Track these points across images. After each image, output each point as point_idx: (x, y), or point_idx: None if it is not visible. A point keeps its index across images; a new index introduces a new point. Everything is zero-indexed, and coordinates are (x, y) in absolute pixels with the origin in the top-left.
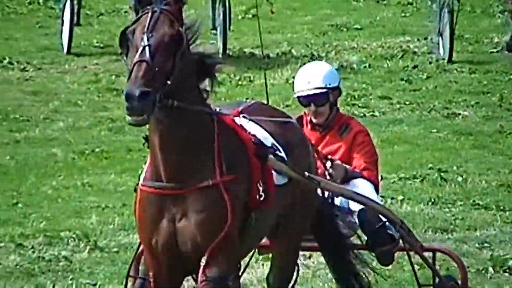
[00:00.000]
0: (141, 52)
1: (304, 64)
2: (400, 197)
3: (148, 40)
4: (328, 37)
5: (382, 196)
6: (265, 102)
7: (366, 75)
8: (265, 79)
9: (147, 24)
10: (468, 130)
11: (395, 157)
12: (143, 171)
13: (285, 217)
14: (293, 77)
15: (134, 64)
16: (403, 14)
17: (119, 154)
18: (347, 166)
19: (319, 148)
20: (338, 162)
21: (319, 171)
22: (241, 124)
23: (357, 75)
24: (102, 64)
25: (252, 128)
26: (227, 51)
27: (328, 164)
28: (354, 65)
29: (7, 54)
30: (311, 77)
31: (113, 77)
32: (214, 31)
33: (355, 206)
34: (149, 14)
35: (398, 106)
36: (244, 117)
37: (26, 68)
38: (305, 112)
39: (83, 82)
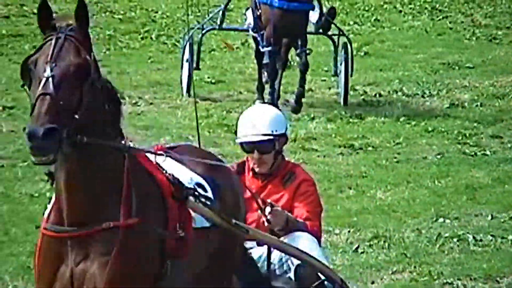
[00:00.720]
0: (44, 84)
1: (417, 102)
2: (511, 237)
3: (51, 70)
4: (439, 75)
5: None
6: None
7: (477, 113)
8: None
9: (50, 53)
10: None
11: (506, 196)
12: (47, 212)
13: (206, 269)
14: (404, 115)
15: (37, 98)
16: None
17: None
18: (289, 214)
19: (261, 197)
20: (279, 208)
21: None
22: (157, 163)
23: (469, 114)
24: (213, 99)
25: (173, 168)
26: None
27: (268, 209)
28: (466, 104)
29: (119, 88)
30: (257, 121)
31: (225, 112)
32: (335, 78)
33: (291, 262)
34: (53, 42)
35: (509, 145)
36: (169, 156)
37: (137, 103)
38: (247, 158)
39: (194, 117)
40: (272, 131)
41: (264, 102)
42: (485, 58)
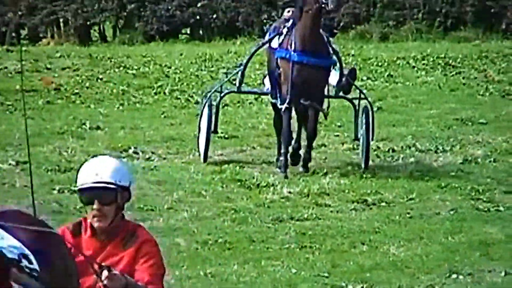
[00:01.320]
0: None
1: (430, 158)
2: None
3: None
4: (453, 131)
5: None
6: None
7: (490, 169)
8: None
9: None
10: None
11: None
12: None
13: None
14: (417, 171)
15: None
16: None
17: (241, 244)
18: (129, 278)
19: (99, 259)
20: (116, 272)
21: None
22: None
23: (482, 170)
24: (227, 154)
25: None
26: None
27: (104, 273)
28: (479, 159)
29: (133, 143)
30: (100, 170)
31: (238, 167)
32: (356, 142)
33: None
34: None
35: None
36: None
37: (151, 158)
38: (84, 217)
39: (207, 172)
40: (116, 181)
41: (286, 176)
42: (499, 114)
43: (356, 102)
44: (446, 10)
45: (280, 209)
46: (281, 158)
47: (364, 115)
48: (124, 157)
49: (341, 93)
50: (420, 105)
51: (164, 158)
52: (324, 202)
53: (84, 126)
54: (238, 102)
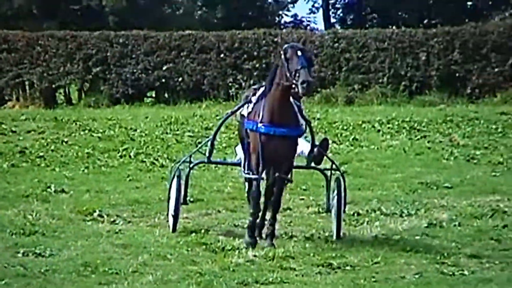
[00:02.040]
0: None
1: (395, 221)
2: None
3: None
4: (418, 195)
5: None
6: None
7: (455, 233)
8: None
9: None
10: None
11: None
12: None
13: None
14: (382, 234)
15: None
16: (493, 173)
17: None
18: None
19: None
20: None
21: None
22: None
23: (447, 233)
24: (192, 218)
25: None
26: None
27: None
28: (444, 223)
29: (98, 206)
30: None
31: (203, 231)
32: (329, 213)
33: None
34: None
35: (487, 265)
36: None
37: (116, 221)
38: None
39: (173, 235)
40: None
41: (253, 245)
42: (463, 178)
43: (328, 173)
44: (411, 74)
45: (245, 272)
46: (248, 230)
47: (336, 187)
48: (89, 221)
49: (312, 164)
50: (385, 169)
51: (129, 222)
52: (289, 266)
53: (49, 189)
54: (204, 165)
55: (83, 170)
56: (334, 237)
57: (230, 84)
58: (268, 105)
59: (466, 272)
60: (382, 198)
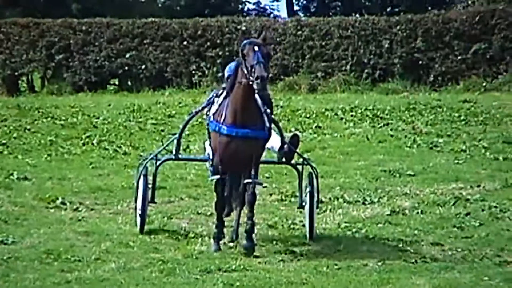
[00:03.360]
0: None
1: (358, 209)
2: None
3: None
4: (380, 182)
5: None
6: None
7: (418, 221)
8: None
9: None
10: None
11: None
12: None
13: None
14: (345, 222)
15: None
16: (456, 161)
17: None
18: None
19: None
20: None
21: None
22: None
23: (409, 221)
24: (155, 205)
25: None
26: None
27: None
28: (407, 211)
29: (60, 194)
30: None
31: (165, 218)
32: (301, 209)
33: None
34: None
35: (450, 252)
36: None
37: (78, 209)
38: None
39: (136, 223)
40: None
41: (218, 249)
42: (426, 165)
43: (299, 168)
44: (374, 62)
45: (208, 260)
46: (214, 230)
47: (308, 183)
48: (51, 208)
49: (283, 160)
50: (348, 156)
51: (92, 209)
52: (252, 253)
53: (11, 177)
54: (167, 153)
55: (46, 158)
56: (307, 236)
57: (193, 71)
58: (231, 105)
59: (428, 260)
60: (345, 186)
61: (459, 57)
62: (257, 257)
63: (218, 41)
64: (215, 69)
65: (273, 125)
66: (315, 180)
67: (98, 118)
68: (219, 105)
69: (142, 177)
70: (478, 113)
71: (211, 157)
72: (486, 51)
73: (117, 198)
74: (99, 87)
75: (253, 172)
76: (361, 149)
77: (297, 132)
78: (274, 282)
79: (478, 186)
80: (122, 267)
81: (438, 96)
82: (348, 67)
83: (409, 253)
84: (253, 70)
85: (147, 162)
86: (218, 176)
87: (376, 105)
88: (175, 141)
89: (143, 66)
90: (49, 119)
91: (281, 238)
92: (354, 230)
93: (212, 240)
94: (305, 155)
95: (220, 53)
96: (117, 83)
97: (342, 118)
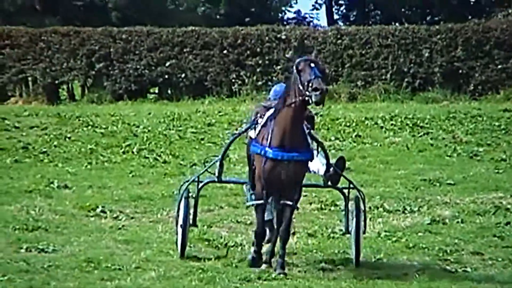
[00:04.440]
0: None
1: (398, 218)
2: None
3: None
4: (420, 192)
5: None
6: None
7: (458, 230)
8: None
9: None
10: None
11: None
12: None
13: None
14: (385, 231)
15: None
16: (496, 170)
17: None
18: None
19: None
20: None
21: None
22: None
23: (450, 230)
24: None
25: None
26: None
27: None
28: (447, 220)
29: (100, 202)
30: None
31: (205, 227)
32: (348, 235)
33: None
34: None
35: (490, 262)
36: None
37: (119, 217)
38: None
39: (175, 232)
40: None
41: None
42: (466, 174)
43: (346, 191)
44: (414, 70)
45: (248, 269)
46: (254, 255)
47: (354, 208)
48: (91, 216)
49: (329, 183)
50: (388, 165)
51: (132, 217)
52: (292, 262)
53: (52, 185)
54: (206, 161)
55: (86, 166)
56: (354, 262)
57: (233, 80)
58: (278, 127)
59: (468, 269)
60: (385, 195)
61: (499, 66)
62: (296, 265)
63: (258, 49)
64: (255, 77)
65: (316, 146)
66: (361, 204)
67: (138, 126)
68: (262, 127)
69: (183, 200)
70: None
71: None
72: None
73: (157, 207)
74: (139, 95)
75: (295, 197)
76: (401, 158)
77: (343, 155)
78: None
79: None
80: (162, 276)
81: (478, 105)
82: (388, 76)
83: (449, 262)
84: (310, 84)
85: (189, 184)
86: (258, 202)
87: (416, 114)
88: (218, 163)
89: (183, 75)
90: (89, 127)
91: (321, 247)
92: (394, 239)
93: (249, 265)
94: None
95: (260, 61)
96: (157, 91)
97: (382, 127)
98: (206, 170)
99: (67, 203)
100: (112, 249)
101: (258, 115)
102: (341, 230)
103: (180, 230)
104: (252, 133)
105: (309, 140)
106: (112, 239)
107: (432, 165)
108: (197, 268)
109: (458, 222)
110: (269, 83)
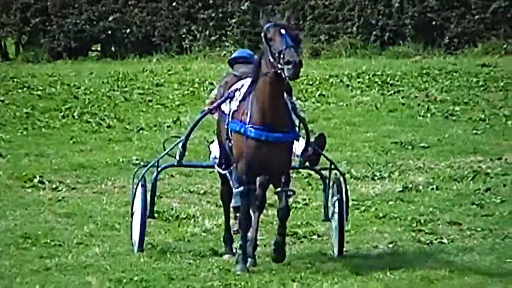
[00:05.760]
0: None
1: (366, 186)
2: None
3: None
4: (391, 156)
5: None
6: None
7: (433, 198)
8: None
9: None
10: None
11: None
12: None
13: None
14: (352, 200)
15: None
16: (474, 131)
17: (159, 283)
18: None
19: None
20: None
21: None
22: None
23: (424, 198)
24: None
25: None
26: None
27: None
28: (420, 187)
29: (38, 172)
30: None
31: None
32: (327, 222)
33: None
34: None
35: (468, 232)
36: None
37: (58, 188)
38: None
39: (121, 203)
40: None
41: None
42: (441, 136)
43: (325, 173)
44: (383, 23)
45: (202, 243)
46: (239, 251)
47: (335, 190)
48: (28, 187)
49: (307, 165)
50: (355, 127)
51: (73, 188)
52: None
53: None
54: (155, 125)
55: (22, 132)
56: (336, 253)
57: (183, 35)
58: (257, 103)
59: (445, 241)
60: (352, 160)
61: (476, 17)
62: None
63: (211, 1)
64: (207, 32)
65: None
66: (343, 188)
67: (79, 88)
68: (240, 102)
69: (140, 187)
70: (498, 78)
71: (217, 161)
72: (506, 9)
73: (101, 176)
74: (79, 53)
75: (283, 180)
76: (370, 119)
77: (324, 132)
78: (275, 266)
79: (499, 158)
80: (107, 252)
81: (454, 60)
82: (354, 29)
83: (424, 233)
84: (281, 56)
85: (147, 170)
86: (242, 188)
87: (385, 70)
88: (180, 146)
89: (128, 30)
90: (24, 89)
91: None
92: (362, 208)
93: (238, 261)
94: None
95: (213, 14)
96: (99, 49)
97: (348, 85)
98: (167, 153)
99: (0, 173)
100: (52, 223)
101: (234, 86)
102: (304, 199)
103: (136, 223)
104: (225, 107)
105: (293, 117)
106: (52, 212)
107: (404, 126)
108: (146, 243)
109: (433, 189)
110: (223, 38)
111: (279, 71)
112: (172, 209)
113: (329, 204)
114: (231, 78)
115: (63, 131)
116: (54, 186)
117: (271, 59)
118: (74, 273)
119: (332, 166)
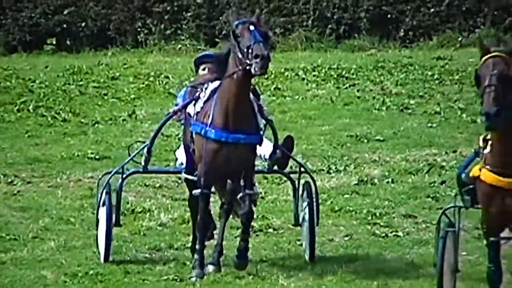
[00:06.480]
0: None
1: (322, 179)
2: None
3: None
4: (347, 149)
5: None
6: None
7: (388, 191)
8: None
9: None
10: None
11: (421, 282)
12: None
13: None
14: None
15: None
16: (429, 124)
17: (115, 277)
18: None
19: None
20: None
21: None
22: None
23: (379, 191)
24: (97, 177)
25: None
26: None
27: None
28: (376, 180)
29: None
30: None
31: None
32: (298, 227)
33: None
34: None
35: (424, 225)
36: None
37: (13, 182)
38: None
39: (76, 197)
40: None
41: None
42: (397, 129)
43: (295, 177)
44: (338, 16)
45: (158, 237)
46: (196, 256)
47: (306, 196)
48: None
49: (275, 168)
50: (310, 120)
51: (28, 182)
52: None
53: None
54: (110, 119)
55: None
56: (308, 258)
57: (138, 29)
58: (220, 104)
59: (400, 234)
60: (308, 153)
61: (431, 10)
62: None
63: None
64: (162, 26)
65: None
66: (313, 191)
67: (34, 81)
68: (204, 103)
69: (105, 195)
70: (453, 71)
71: (184, 166)
72: (461, 3)
73: (56, 170)
74: (34, 47)
75: (247, 183)
76: (325, 112)
77: (291, 134)
78: (230, 260)
79: (454, 151)
80: (63, 246)
81: (409, 53)
82: (309, 22)
83: (379, 226)
84: (250, 51)
85: (111, 177)
86: (200, 191)
87: (341, 64)
88: (145, 151)
89: (83, 24)
90: None
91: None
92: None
93: (194, 267)
94: None
95: (168, 8)
96: (54, 42)
97: (303, 79)
98: (131, 159)
99: None
100: (7, 217)
101: (198, 86)
102: (260, 193)
103: (101, 231)
104: (191, 109)
105: (259, 119)
106: (7, 206)
107: (359, 119)
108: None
109: (388, 182)
110: (179, 31)
111: (247, 67)
112: (127, 203)
113: (299, 209)
114: (197, 81)
115: (18, 125)
116: (9, 180)
117: (239, 55)
118: (30, 267)
119: (302, 170)
